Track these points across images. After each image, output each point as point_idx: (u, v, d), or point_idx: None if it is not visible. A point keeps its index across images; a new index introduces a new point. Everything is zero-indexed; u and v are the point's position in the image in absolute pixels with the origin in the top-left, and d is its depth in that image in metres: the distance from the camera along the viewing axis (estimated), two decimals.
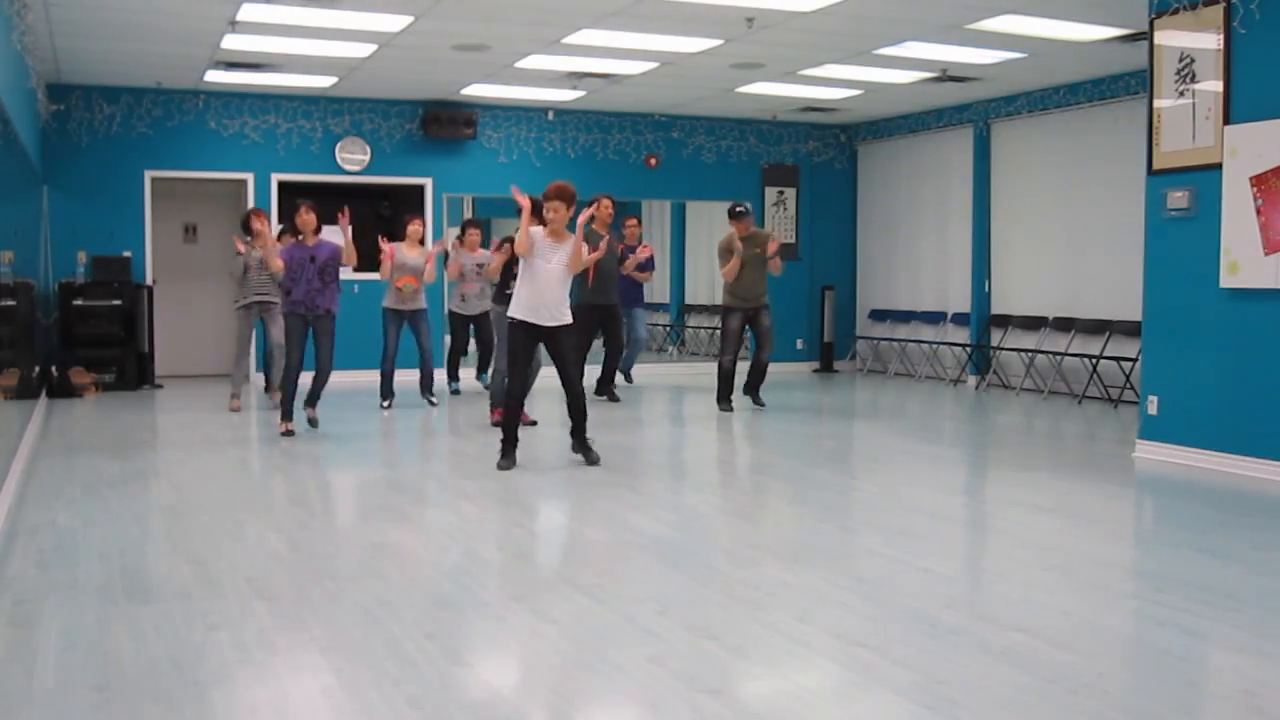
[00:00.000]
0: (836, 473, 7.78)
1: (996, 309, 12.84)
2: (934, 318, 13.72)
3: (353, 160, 12.96)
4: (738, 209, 10.31)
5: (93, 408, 10.52)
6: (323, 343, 8.83)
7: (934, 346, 13.51)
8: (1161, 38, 7.65)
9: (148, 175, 12.30)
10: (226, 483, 7.13)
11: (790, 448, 8.74)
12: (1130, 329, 10.51)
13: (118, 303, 11.76)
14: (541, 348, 7.69)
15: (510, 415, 7.31)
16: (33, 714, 3.31)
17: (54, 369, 11.30)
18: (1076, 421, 10.10)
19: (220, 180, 12.79)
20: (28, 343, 8.68)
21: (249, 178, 12.67)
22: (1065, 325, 11.80)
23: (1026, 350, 12.06)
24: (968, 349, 12.90)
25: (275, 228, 12.32)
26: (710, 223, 16.45)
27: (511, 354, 7.26)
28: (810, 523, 6.04)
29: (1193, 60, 7.45)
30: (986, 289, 12.94)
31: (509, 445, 7.27)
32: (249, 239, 10.23)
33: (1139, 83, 9.85)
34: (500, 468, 7.20)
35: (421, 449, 8.82)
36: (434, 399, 10.58)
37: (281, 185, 12.74)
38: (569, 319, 7.22)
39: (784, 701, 3.43)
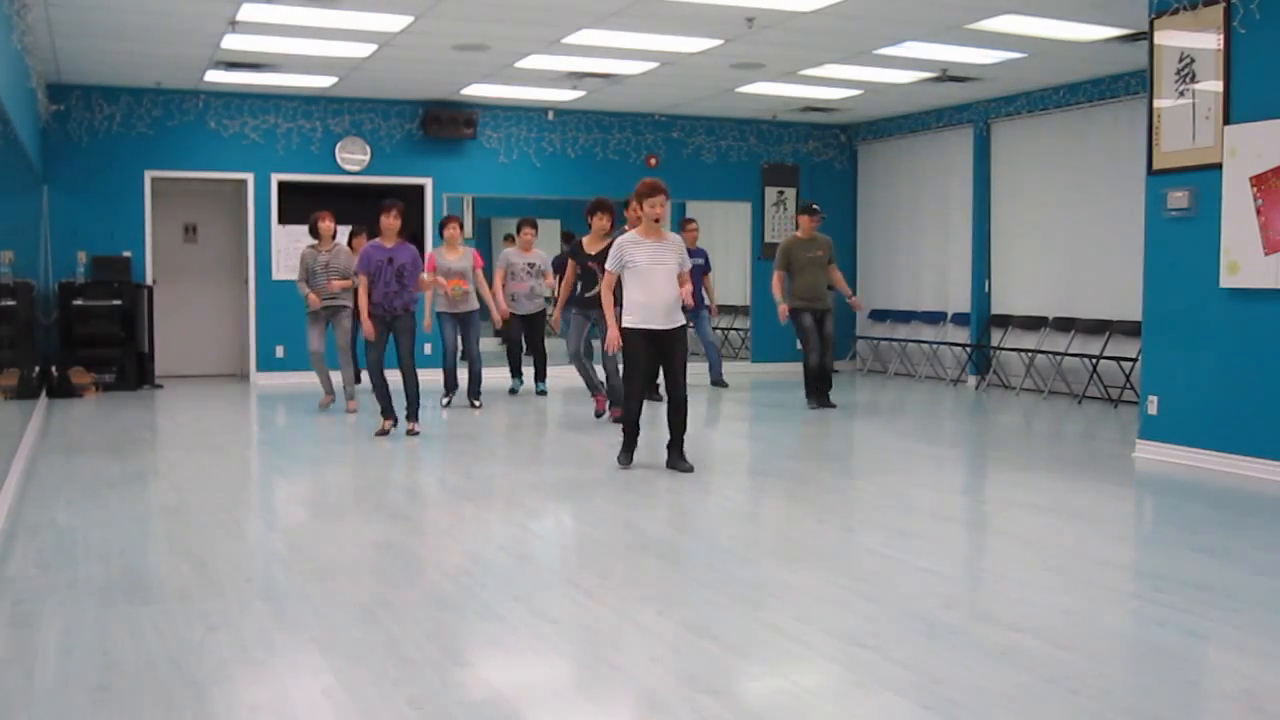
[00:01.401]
0: (836, 473, 7.78)
1: (996, 309, 12.84)
2: (934, 318, 13.71)
3: (353, 160, 12.96)
4: (814, 205, 10.61)
5: (93, 408, 10.51)
6: (403, 342, 8.70)
7: (934, 346, 13.51)
8: (1161, 38, 7.65)
9: (148, 175, 12.30)
10: (226, 483, 7.13)
11: (790, 448, 8.74)
12: (1130, 329, 10.51)
13: (118, 303, 11.75)
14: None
15: (629, 416, 7.31)
16: (33, 714, 3.32)
17: (54, 369, 11.30)
18: (1076, 421, 10.10)
19: (220, 180, 12.79)
20: (28, 343, 8.68)
21: (249, 178, 12.67)
22: (1065, 325, 11.79)
23: (1026, 350, 12.06)
24: (968, 349, 12.90)
25: (278, 228, 12.36)
26: (710, 223, 16.42)
27: (630, 360, 7.18)
28: (810, 523, 6.04)
29: (1193, 60, 7.45)
30: (986, 289, 12.93)
31: (629, 446, 7.35)
32: (317, 242, 10.15)
33: (1139, 83, 9.85)
34: (621, 463, 7.31)
35: (423, 450, 8.81)
36: (479, 403, 10.52)
37: (281, 185, 12.75)
38: (683, 320, 7.22)
39: (784, 701, 3.43)
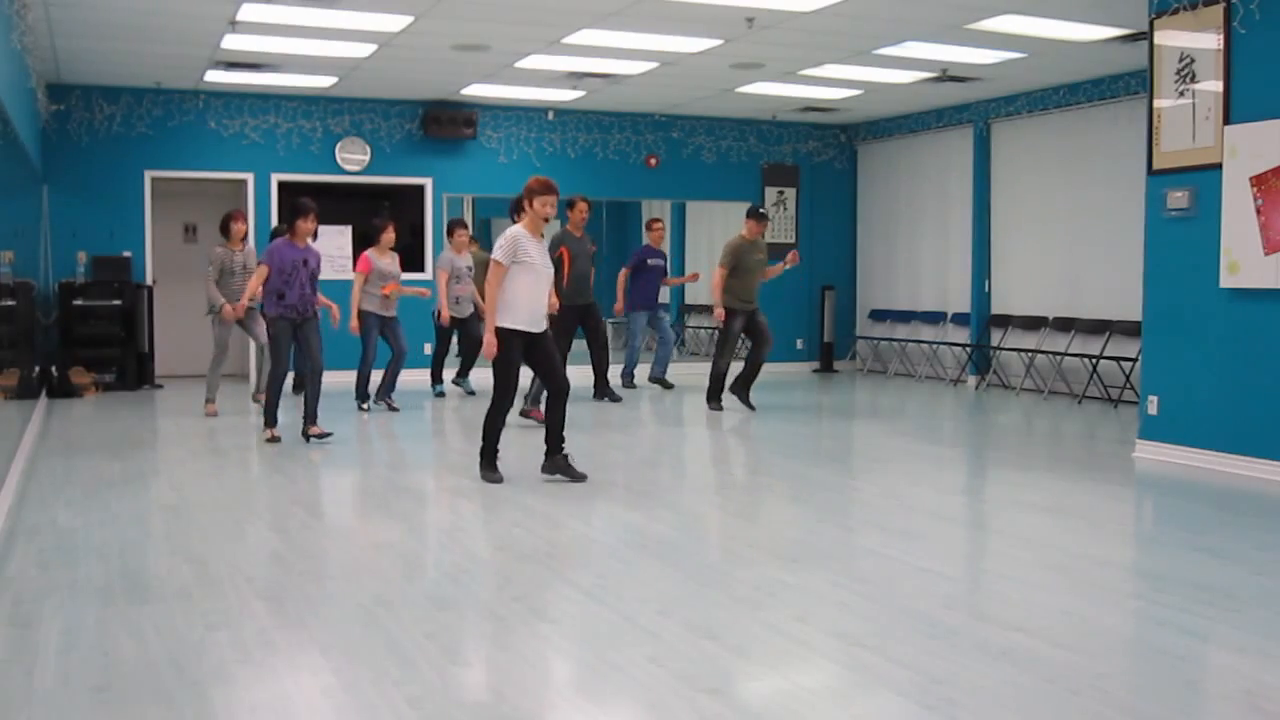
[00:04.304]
0: (836, 473, 7.77)
1: (996, 309, 12.84)
2: (934, 318, 13.71)
3: (353, 160, 12.96)
4: (760, 210, 10.52)
5: (93, 408, 10.51)
6: (313, 345, 8.46)
7: (934, 346, 13.51)
8: (1161, 38, 7.65)
9: (148, 175, 12.30)
10: (226, 483, 7.13)
11: (790, 448, 8.74)
12: (1130, 329, 10.51)
13: (118, 303, 11.75)
14: None
15: (497, 425, 6.87)
16: (33, 714, 3.31)
17: (54, 369, 11.30)
18: (1076, 421, 10.10)
19: (220, 180, 12.79)
20: (28, 343, 8.68)
21: (249, 178, 12.67)
22: (1065, 325, 11.79)
23: (1026, 350, 12.06)
24: (968, 349, 12.90)
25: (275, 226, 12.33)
26: (710, 223, 16.45)
27: (508, 365, 6.70)
28: (810, 523, 6.04)
29: (1193, 60, 7.45)
30: (986, 289, 12.93)
31: (493, 458, 6.92)
32: (227, 242, 10.10)
33: (1139, 83, 9.85)
34: (493, 481, 6.85)
35: (420, 450, 8.81)
36: (391, 404, 10.32)
37: (281, 185, 12.74)
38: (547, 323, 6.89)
39: (784, 701, 3.43)
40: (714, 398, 10.38)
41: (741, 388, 10.39)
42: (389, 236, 10.26)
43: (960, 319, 13.25)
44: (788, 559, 5.17)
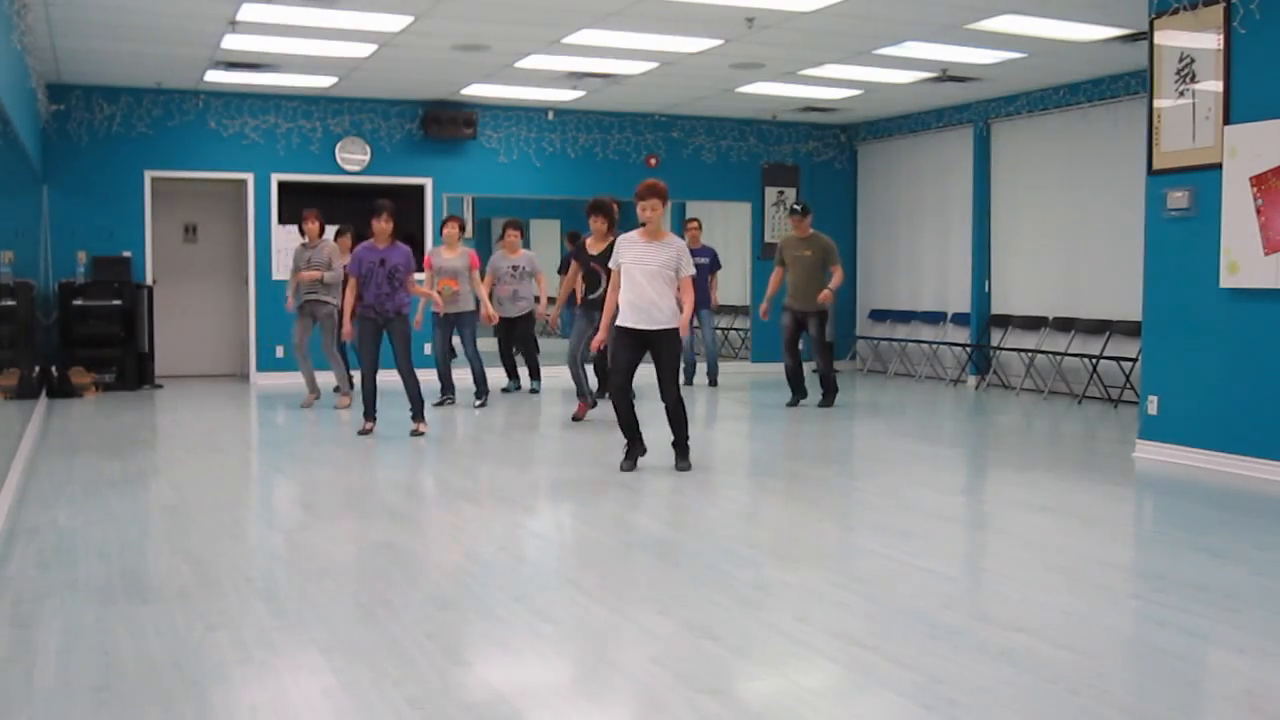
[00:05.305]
0: (837, 473, 7.77)
1: (996, 309, 12.84)
2: (934, 318, 13.71)
3: (353, 160, 12.96)
4: (795, 206, 10.63)
5: (93, 408, 10.51)
6: (398, 346, 8.69)
7: (934, 346, 13.51)
8: (1161, 38, 7.65)
9: (148, 175, 12.30)
10: (226, 483, 7.13)
11: (790, 448, 8.74)
12: (1130, 329, 10.51)
13: (118, 303, 11.75)
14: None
15: (620, 416, 7.24)
16: (33, 714, 3.31)
17: (54, 369, 11.30)
18: (1076, 421, 10.10)
19: (220, 180, 12.79)
20: (28, 343, 8.68)
21: (249, 178, 12.67)
22: (1065, 325, 11.79)
23: (1026, 350, 12.06)
24: (968, 349, 12.90)
25: (278, 225, 12.37)
26: (710, 223, 16.44)
27: (612, 356, 7.39)
28: (810, 523, 6.04)
29: (1193, 60, 7.45)
30: (986, 289, 12.94)
31: (631, 445, 7.32)
32: (305, 241, 10.45)
33: (1139, 83, 9.85)
34: (621, 468, 7.24)
35: (423, 450, 8.81)
36: (480, 403, 10.51)
37: (281, 185, 12.75)
38: (671, 323, 7.07)
39: (784, 701, 3.43)
40: (825, 394, 10.61)
41: (825, 404, 10.63)
42: (449, 232, 10.38)
43: (960, 319, 13.25)
44: (788, 559, 5.17)
